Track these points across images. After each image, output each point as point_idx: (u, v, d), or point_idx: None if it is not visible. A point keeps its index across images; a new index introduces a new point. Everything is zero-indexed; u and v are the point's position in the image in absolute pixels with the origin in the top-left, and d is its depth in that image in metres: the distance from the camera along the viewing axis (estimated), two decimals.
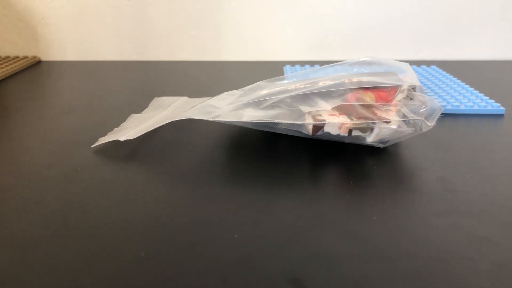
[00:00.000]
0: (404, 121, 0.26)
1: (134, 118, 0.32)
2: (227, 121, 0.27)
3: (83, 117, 0.33)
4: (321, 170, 0.25)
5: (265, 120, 0.26)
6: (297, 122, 0.26)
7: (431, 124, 0.26)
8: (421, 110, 0.27)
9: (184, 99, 0.36)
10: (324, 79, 0.29)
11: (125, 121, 0.32)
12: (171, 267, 0.18)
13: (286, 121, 0.26)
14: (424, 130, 0.26)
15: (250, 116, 0.27)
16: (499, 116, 0.33)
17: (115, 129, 0.30)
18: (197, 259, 0.18)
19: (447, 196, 0.23)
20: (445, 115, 0.34)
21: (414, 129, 0.26)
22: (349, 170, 0.25)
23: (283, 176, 0.25)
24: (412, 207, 0.22)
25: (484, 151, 0.28)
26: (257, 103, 0.28)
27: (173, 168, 0.26)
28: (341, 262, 0.18)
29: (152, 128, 0.28)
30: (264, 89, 0.29)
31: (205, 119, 0.26)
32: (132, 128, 0.30)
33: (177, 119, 0.27)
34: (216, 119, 0.27)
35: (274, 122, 0.26)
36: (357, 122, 0.26)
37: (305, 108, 0.26)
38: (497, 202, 0.22)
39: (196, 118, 0.27)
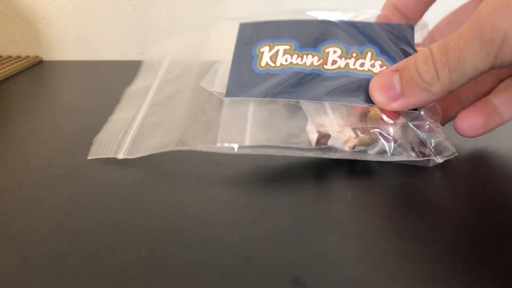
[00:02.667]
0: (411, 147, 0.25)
1: (115, 121, 0.30)
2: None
3: (84, 117, 0.33)
4: (322, 170, 0.25)
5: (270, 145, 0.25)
6: (304, 150, 0.25)
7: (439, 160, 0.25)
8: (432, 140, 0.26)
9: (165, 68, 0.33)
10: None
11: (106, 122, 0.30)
12: (171, 266, 0.18)
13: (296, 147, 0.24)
14: (430, 165, 0.25)
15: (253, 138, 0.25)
16: None
17: (102, 136, 0.28)
18: (197, 258, 0.18)
19: (448, 196, 0.23)
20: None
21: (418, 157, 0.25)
22: (350, 170, 0.25)
23: (284, 176, 0.25)
24: (413, 207, 0.22)
25: (483, 152, 0.28)
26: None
27: (175, 167, 0.26)
28: (341, 262, 0.18)
29: (159, 151, 0.25)
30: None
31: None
32: (126, 137, 0.27)
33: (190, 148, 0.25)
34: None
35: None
36: (362, 137, 0.25)
37: (310, 127, 0.26)
38: (498, 202, 0.22)
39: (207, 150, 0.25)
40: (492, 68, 0.21)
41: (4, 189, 0.24)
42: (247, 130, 0.26)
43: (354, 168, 0.25)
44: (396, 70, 0.24)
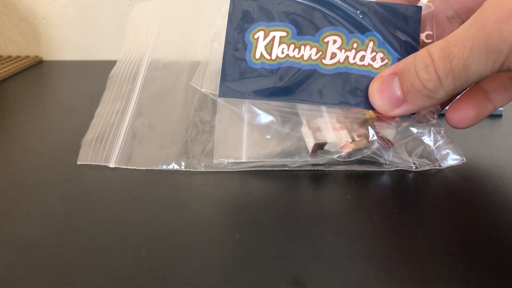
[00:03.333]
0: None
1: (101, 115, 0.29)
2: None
3: (84, 117, 0.33)
4: (322, 170, 0.25)
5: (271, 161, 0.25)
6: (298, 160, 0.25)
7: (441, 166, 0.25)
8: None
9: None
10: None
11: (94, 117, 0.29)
12: (172, 267, 0.18)
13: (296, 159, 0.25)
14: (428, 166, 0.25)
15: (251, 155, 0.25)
16: (497, 116, 0.33)
17: (91, 137, 0.27)
18: (197, 258, 0.18)
19: (448, 195, 0.23)
20: (441, 115, 0.34)
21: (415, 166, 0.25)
22: (350, 170, 0.25)
23: (284, 176, 0.25)
24: (413, 207, 0.22)
25: (483, 152, 0.28)
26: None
27: (174, 167, 0.26)
28: (341, 262, 0.18)
29: (154, 168, 0.26)
30: None
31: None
32: (116, 141, 0.27)
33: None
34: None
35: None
36: (358, 141, 0.25)
37: (306, 132, 0.25)
38: (497, 202, 0.22)
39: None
40: (498, 71, 0.20)
41: (4, 189, 0.24)
42: (243, 145, 0.25)
43: (353, 169, 0.25)
44: (395, 73, 0.23)
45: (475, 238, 0.19)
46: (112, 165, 0.26)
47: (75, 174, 0.25)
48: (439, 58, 0.21)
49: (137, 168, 0.25)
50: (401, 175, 0.25)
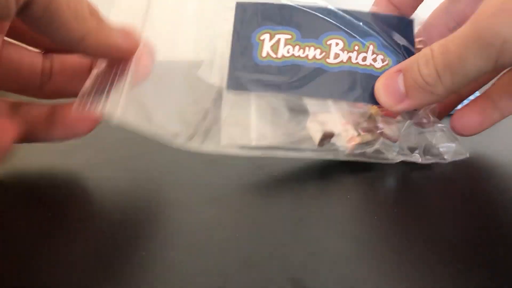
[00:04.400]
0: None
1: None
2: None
3: None
4: (322, 170, 0.25)
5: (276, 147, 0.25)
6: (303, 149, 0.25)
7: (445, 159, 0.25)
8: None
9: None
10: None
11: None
12: (172, 267, 0.18)
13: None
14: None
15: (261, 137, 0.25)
16: None
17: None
18: (197, 258, 0.18)
19: (449, 195, 0.23)
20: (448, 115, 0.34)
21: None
22: (350, 170, 0.25)
23: (283, 176, 0.25)
24: (413, 207, 0.22)
25: (485, 149, 0.28)
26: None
27: (174, 167, 0.26)
28: (341, 262, 0.18)
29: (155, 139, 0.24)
30: None
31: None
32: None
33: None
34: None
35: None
36: (364, 135, 0.25)
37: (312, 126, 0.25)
38: (498, 202, 0.22)
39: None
40: (494, 68, 0.21)
41: (4, 189, 0.24)
42: (251, 128, 0.25)
43: (354, 168, 0.25)
44: (400, 71, 0.24)
45: (476, 238, 0.19)
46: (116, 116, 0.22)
47: (75, 174, 0.25)
48: (438, 54, 0.22)
49: (134, 129, 0.22)
50: (403, 171, 0.25)
